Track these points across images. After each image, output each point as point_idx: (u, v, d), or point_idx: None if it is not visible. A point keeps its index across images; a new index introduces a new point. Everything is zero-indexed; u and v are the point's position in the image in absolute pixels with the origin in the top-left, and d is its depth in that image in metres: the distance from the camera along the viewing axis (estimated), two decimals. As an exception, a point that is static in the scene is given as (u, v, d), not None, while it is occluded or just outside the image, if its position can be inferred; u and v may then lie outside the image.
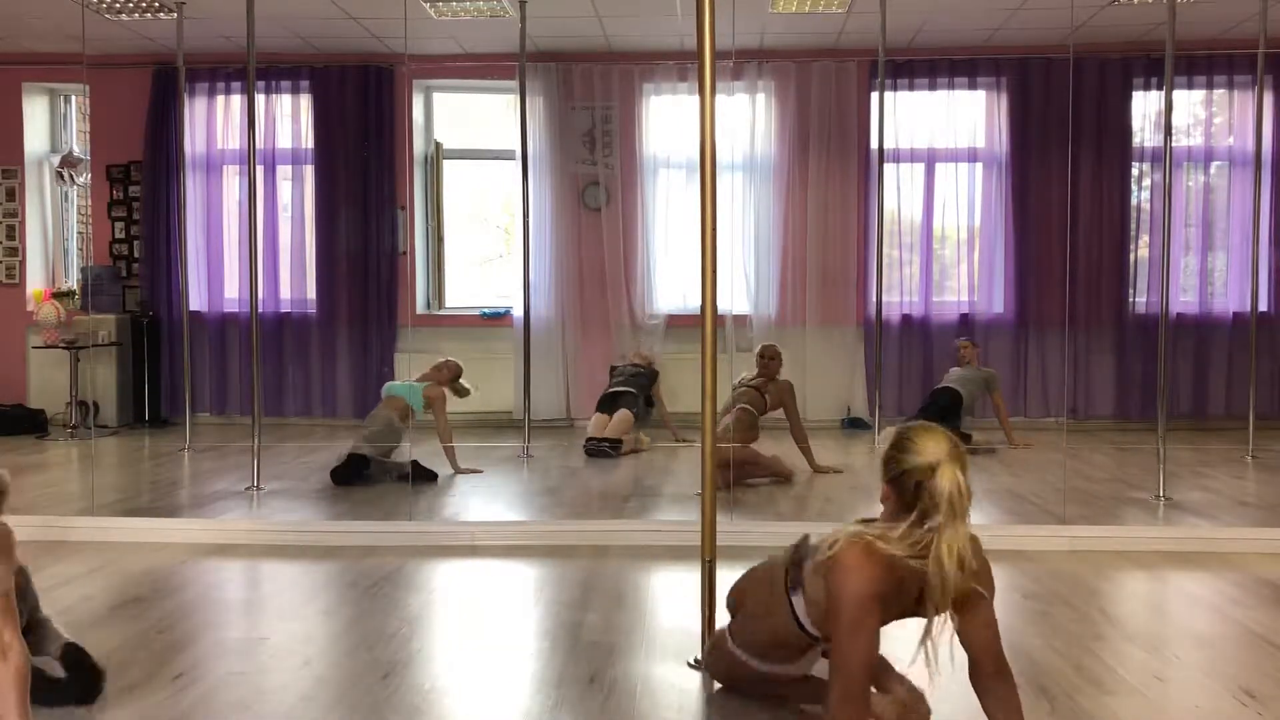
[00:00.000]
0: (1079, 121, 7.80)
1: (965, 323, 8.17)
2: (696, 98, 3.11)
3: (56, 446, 7.43)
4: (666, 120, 8.29)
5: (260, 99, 8.06)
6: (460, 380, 6.56)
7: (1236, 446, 6.80)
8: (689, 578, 3.62)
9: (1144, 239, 8.13)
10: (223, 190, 8.47)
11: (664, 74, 8.17)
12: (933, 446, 2.26)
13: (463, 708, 2.86)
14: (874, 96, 7.73)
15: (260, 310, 6.33)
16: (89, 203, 8.62)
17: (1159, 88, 6.59)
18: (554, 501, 5.72)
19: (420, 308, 8.50)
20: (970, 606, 2.32)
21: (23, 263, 8.59)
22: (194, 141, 8.29)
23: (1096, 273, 8.02)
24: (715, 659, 2.87)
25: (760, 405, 6.15)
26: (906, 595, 2.32)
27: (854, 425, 7.95)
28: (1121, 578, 4.15)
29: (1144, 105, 8.05)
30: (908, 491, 2.27)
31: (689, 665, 3.11)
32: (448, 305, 8.71)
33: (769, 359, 6.44)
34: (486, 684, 3.01)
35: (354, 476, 5.90)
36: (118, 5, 7.01)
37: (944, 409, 6.96)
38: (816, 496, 5.66)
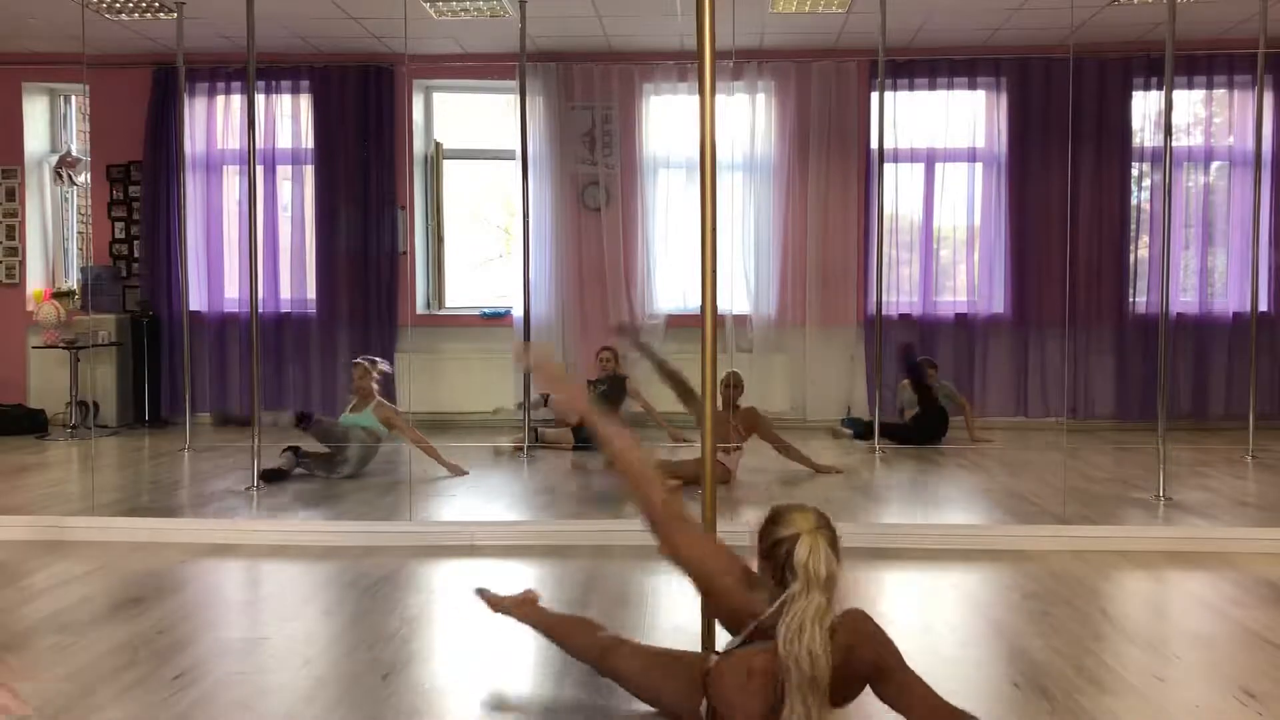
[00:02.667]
0: (1079, 121, 7.80)
1: (964, 322, 8.18)
2: (696, 98, 3.11)
3: (56, 446, 7.43)
4: (666, 120, 8.29)
5: (260, 99, 8.06)
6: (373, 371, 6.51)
7: (1236, 446, 6.82)
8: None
9: (1144, 239, 8.13)
10: (223, 190, 8.47)
11: (664, 74, 8.17)
12: (800, 520, 2.36)
13: (463, 708, 2.86)
14: (874, 96, 7.74)
15: (260, 310, 6.33)
16: (89, 203, 8.62)
17: (1159, 88, 6.59)
18: (554, 501, 5.72)
19: (420, 308, 8.50)
20: (875, 679, 2.32)
21: (23, 263, 8.59)
22: (194, 141, 8.29)
23: (1096, 273, 8.03)
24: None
25: (729, 439, 5.91)
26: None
27: (854, 425, 7.93)
28: (1121, 578, 4.15)
29: (1144, 105, 8.06)
30: (779, 561, 2.35)
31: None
32: (448, 305, 8.70)
33: (732, 386, 6.21)
34: (486, 684, 3.01)
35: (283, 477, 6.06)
36: (118, 5, 7.00)
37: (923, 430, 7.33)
38: (816, 497, 5.65)
